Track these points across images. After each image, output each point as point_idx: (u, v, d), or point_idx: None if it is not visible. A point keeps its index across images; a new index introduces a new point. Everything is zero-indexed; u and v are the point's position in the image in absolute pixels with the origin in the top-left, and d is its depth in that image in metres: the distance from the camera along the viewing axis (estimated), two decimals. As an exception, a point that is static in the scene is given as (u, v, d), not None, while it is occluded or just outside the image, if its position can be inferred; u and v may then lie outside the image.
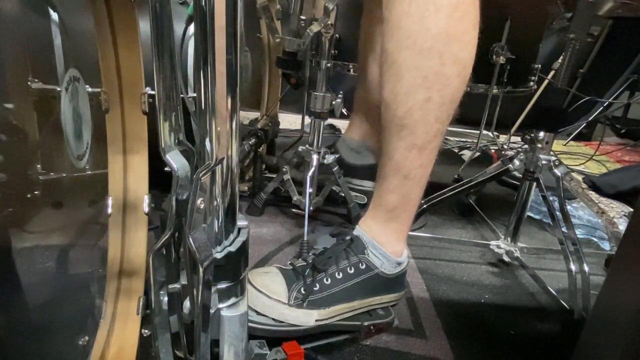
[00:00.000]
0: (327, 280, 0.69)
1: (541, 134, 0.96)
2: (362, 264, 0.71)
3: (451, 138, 2.15)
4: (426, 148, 0.66)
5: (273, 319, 0.65)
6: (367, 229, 0.73)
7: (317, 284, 0.68)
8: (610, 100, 2.16)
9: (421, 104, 0.63)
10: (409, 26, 0.61)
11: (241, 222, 0.47)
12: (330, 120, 1.11)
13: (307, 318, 0.67)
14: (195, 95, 0.39)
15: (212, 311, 0.42)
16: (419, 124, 0.65)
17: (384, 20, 0.65)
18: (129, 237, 0.58)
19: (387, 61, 0.65)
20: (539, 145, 0.96)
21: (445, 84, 0.63)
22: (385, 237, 0.72)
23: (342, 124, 1.26)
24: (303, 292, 0.67)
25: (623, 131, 2.40)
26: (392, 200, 0.71)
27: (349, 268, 0.70)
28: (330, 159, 1.04)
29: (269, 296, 0.65)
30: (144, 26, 0.52)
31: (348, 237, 0.74)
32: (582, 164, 1.87)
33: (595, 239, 1.21)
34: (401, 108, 0.65)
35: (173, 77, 0.39)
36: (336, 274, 0.70)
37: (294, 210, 1.13)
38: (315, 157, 1.03)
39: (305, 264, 0.72)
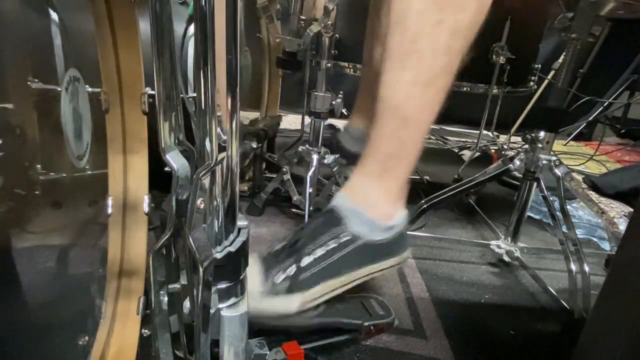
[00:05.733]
0: (306, 258, 0.62)
1: (541, 134, 0.96)
2: (343, 236, 0.63)
3: (451, 138, 2.15)
4: (432, 85, 0.60)
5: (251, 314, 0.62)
6: (350, 194, 0.66)
7: (295, 267, 0.62)
8: (610, 100, 2.16)
9: (432, 27, 0.57)
10: None
11: (241, 222, 0.47)
12: (330, 120, 1.11)
13: (287, 305, 0.60)
14: (195, 95, 0.39)
15: (212, 311, 0.42)
16: (426, 52, 0.58)
17: None
18: (129, 237, 0.58)
19: None
20: (539, 145, 0.96)
21: (462, 6, 0.57)
22: (373, 198, 0.65)
23: (342, 124, 1.26)
24: (281, 277, 0.61)
25: (623, 131, 2.40)
26: (386, 148, 0.64)
27: (329, 242, 0.63)
28: (330, 159, 1.04)
29: None
30: (144, 26, 0.52)
31: (325, 209, 0.67)
32: (582, 164, 1.87)
33: (595, 239, 1.21)
34: (409, 31, 0.58)
35: (173, 77, 0.39)
36: (316, 250, 0.62)
37: (294, 210, 1.13)
38: (315, 157, 1.03)
39: (283, 245, 0.65)
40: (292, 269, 0.61)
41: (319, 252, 0.62)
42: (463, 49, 0.60)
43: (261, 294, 0.60)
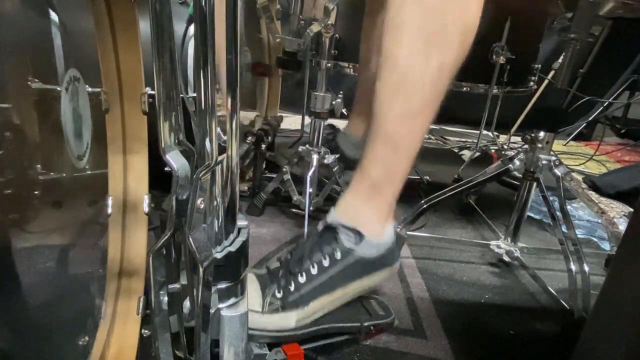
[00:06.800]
0: (301, 277, 0.65)
1: (541, 134, 0.96)
2: (337, 253, 0.66)
3: (451, 138, 2.15)
4: (420, 115, 0.64)
5: (250, 329, 0.63)
6: (342, 211, 0.69)
7: (292, 284, 0.65)
8: (610, 100, 2.16)
9: (420, 65, 0.62)
10: None
11: (241, 222, 0.47)
12: (330, 120, 1.11)
13: (286, 321, 0.63)
14: (195, 95, 0.39)
15: (212, 311, 0.42)
16: (415, 86, 0.63)
17: None
18: (129, 237, 0.58)
19: (388, 16, 0.63)
20: (539, 145, 0.96)
21: (447, 47, 0.61)
22: (364, 217, 0.68)
23: (342, 124, 1.26)
24: (278, 295, 0.64)
25: (623, 131, 2.40)
26: (377, 172, 0.67)
27: (323, 260, 0.66)
28: (330, 159, 1.04)
29: None
30: (144, 26, 0.52)
31: (319, 228, 0.70)
32: (582, 164, 1.87)
33: (595, 239, 1.21)
34: (399, 68, 0.63)
35: (173, 77, 0.39)
36: (310, 269, 0.65)
37: (294, 210, 1.13)
38: (315, 157, 1.02)
39: (279, 264, 0.68)
40: (288, 287, 0.65)
41: (314, 270, 0.66)
42: (447, 83, 0.65)
43: (259, 313, 0.63)
